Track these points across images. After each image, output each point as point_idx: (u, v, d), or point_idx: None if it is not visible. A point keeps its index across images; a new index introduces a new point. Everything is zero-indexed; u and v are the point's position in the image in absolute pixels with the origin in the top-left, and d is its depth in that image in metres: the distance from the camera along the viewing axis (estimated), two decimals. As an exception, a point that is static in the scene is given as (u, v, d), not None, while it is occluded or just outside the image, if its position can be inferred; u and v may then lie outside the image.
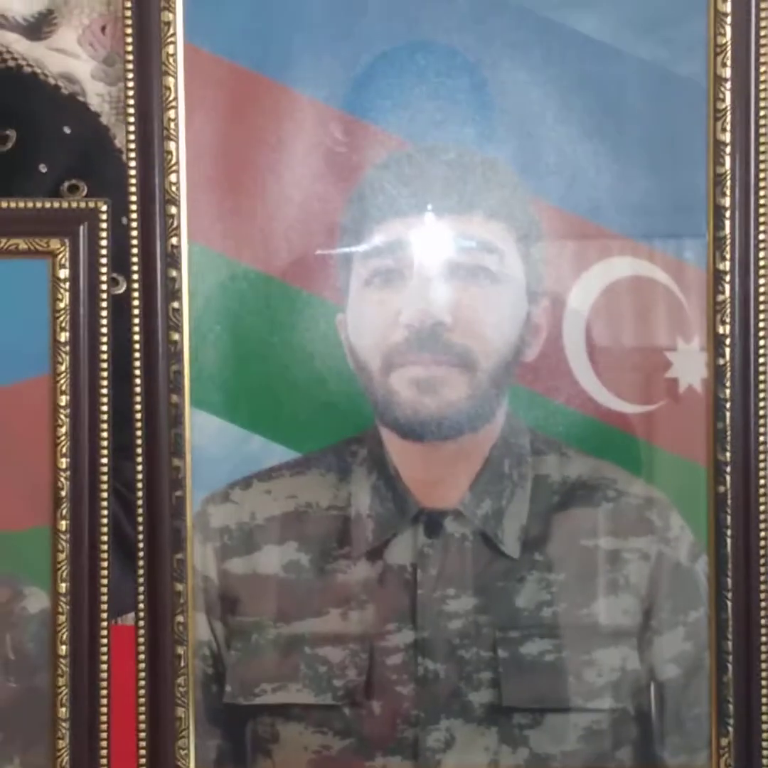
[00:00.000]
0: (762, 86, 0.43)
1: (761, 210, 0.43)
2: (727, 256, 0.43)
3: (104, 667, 0.44)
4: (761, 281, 0.43)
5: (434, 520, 0.44)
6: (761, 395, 0.43)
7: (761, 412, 0.43)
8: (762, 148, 0.43)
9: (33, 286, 0.44)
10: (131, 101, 0.44)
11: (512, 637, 0.44)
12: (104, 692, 0.44)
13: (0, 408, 0.44)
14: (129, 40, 0.44)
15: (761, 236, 0.43)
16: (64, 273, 0.44)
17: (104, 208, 0.44)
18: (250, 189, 0.45)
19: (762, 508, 0.43)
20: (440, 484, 0.44)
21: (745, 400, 0.43)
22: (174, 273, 0.44)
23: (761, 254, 0.43)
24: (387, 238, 0.44)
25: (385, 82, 0.45)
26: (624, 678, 0.44)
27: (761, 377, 0.43)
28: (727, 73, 0.43)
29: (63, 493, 0.43)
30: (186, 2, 0.44)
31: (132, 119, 0.44)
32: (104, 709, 0.44)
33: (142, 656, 0.44)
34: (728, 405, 0.43)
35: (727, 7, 0.43)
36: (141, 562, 0.44)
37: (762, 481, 0.43)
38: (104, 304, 0.44)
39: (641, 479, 0.44)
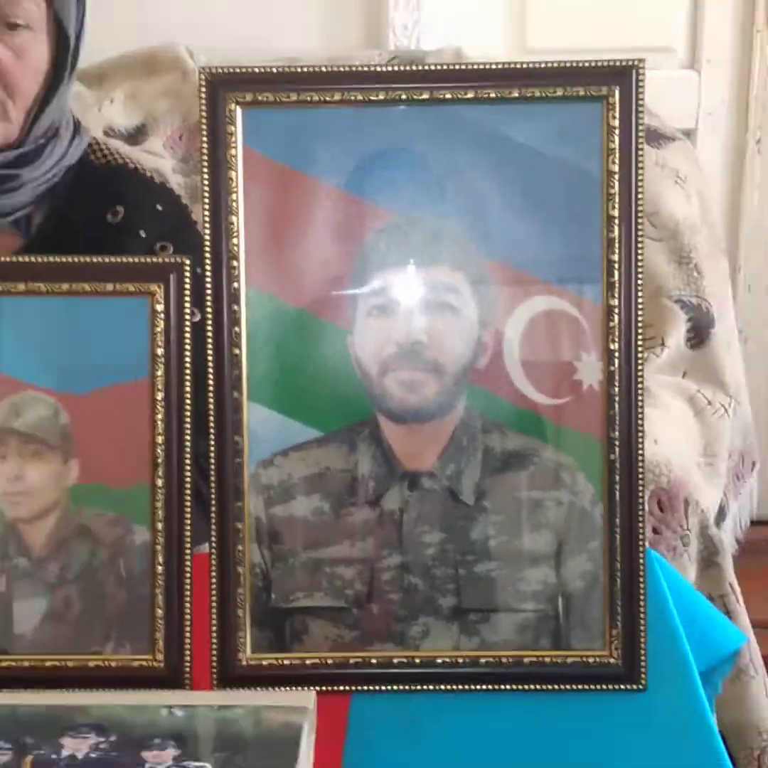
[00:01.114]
0: (639, 179, 0.61)
1: (639, 264, 0.61)
2: (616, 295, 0.61)
3: (188, 582, 0.63)
4: (639, 314, 0.62)
5: (415, 479, 0.62)
6: (639, 392, 0.61)
7: (639, 404, 0.61)
8: (639, 221, 0.62)
9: (138, 316, 0.63)
10: (206, 188, 0.63)
11: (469, 559, 0.62)
12: (187, 599, 0.63)
13: (114, 400, 0.63)
14: (204, 145, 0.63)
15: (639, 282, 0.62)
16: (159, 307, 0.62)
17: (187, 262, 0.63)
18: (288, 249, 0.64)
19: (641, 472, 0.62)
20: (419, 454, 0.63)
21: (628, 396, 0.61)
22: (235, 307, 0.62)
23: (639, 294, 0.62)
24: (382, 283, 0.63)
25: (380, 173, 0.64)
26: (544, 589, 0.62)
27: (639, 380, 0.61)
28: (616, 168, 0.62)
29: (159, 460, 0.62)
30: (244, 118, 0.63)
31: (206, 200, 0.63)
32: (187, 611, 0.63)
33: (213, 574, 0.63)
34: (617, 399, 0.61)
35: (616, 123, 0.62)
36: (213, 509, 0.63)
37: (640, 452, 0.62)
38: (187, 329, 0.63)
39: (556, 450, 0.63)
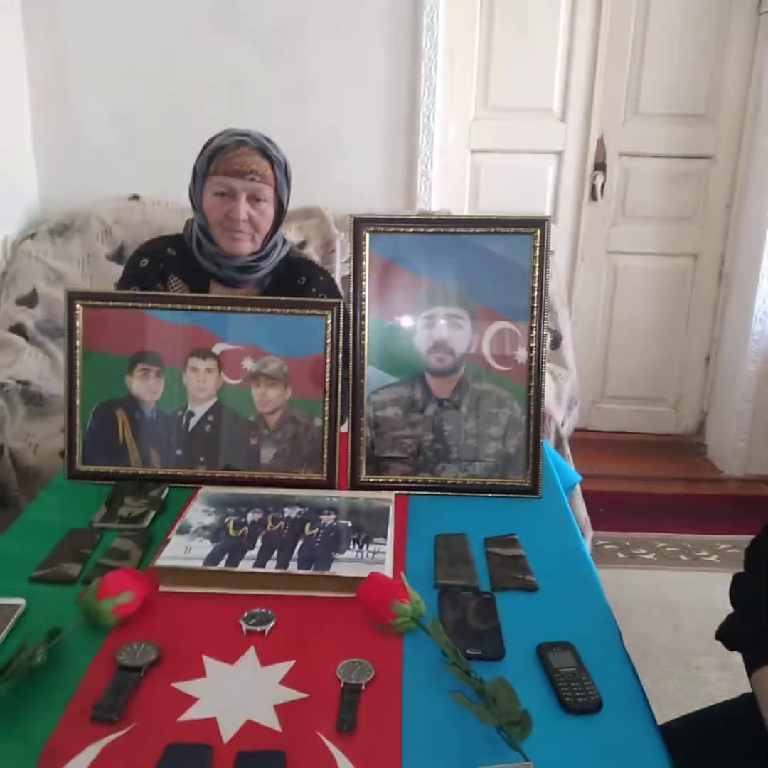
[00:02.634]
0: (547, 270, 1.36)
1: (544, 309, 1.37)
2: (534, 325, 1.37)
3: (338, 444, 1.40)
4: (543, 332, 1.37)
5: (440, 401, 1.38)
6: (542, 366, 1.37)
7: (542, 370, 1.37)
8: (548, 292, 1.37)
9: (320, 326, 1.39)
10: (353, 268, 1.39)
11: (464, 437, 1.38)
12: (338, 447, 1.39)
13: (308, 362, 1.39)
14: (351, 258, 1.39)
15: (544, 317, 1.37)
16: (330, 321, 1.38)
17: (341, 301, 1.40)
18: (387, 297, 1.40)
19: (541, 401, 1.38)
20: (443, 390, 1.38)
21: (538, 366, 1.37)
22: (363, 322, 1.39)
23: (545, 324, 1.37)
24: (428, 313, 1.39)
25: (426, 263, 1.39)
26: (497, 451, 1.37)
27: (543, 360, 1.37)
28: (537, 265, 1.37)
29: (327, 389, 1.39)
30: (371, 241, 1.39)
31: (352, 287, 1.39)
32: (338, 452, 1.39)
33: (350, 440, 1.39)
34: (533, 366, 1.37)
35: (538, 244, 1.37)
36: (350, 410, 1.39)
37: (542, 392, 1.37)
38: (341, 332, 1.39)
39: (504, 389, 1.38)
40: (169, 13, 2.71)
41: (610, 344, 3.34)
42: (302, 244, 2.55)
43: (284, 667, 0.95)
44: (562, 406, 2.41)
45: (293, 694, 0.91)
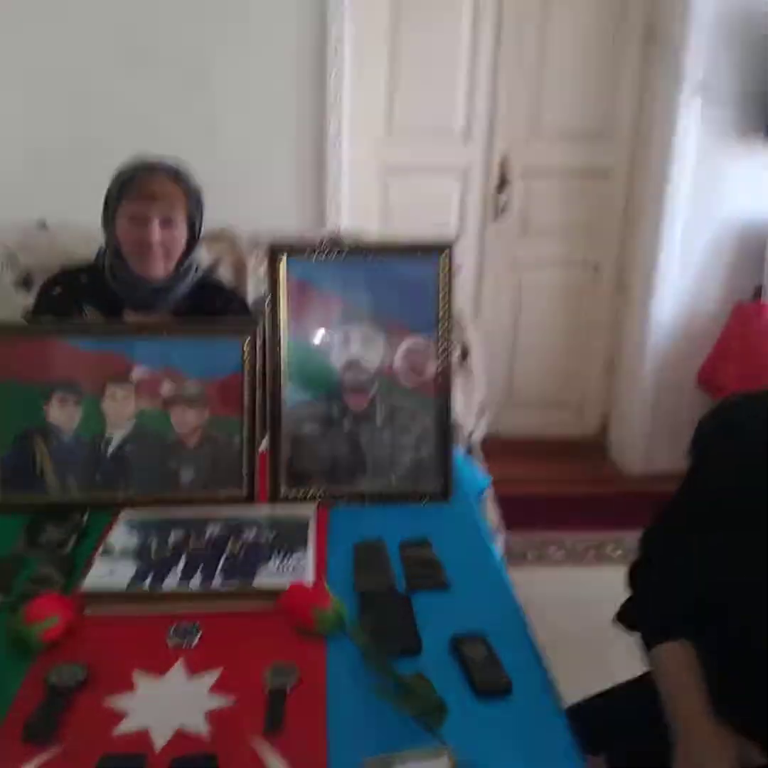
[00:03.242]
0: (452, 288, 1.45)
1: (450, 323, 1.45)
2: (442, 340, 1.45)
3: (257, 461, 1.45)
4: (449, 347, 1.46)
5: (356, 415, 1.45)
6: (450, 379, 1.46)
7: (451, 383, 1.45)
8: (456, 307, 1.46)
9: (236, 347, 1.44)
10: (270, 291, 1.45)
11: (378, 448, 1.45)
12: (257, 468, 1.44)
13: (227, 383, 1.44)
14: (267, 283, 1.45)
15: (450, 332, 1.46)
16: (248, 342, 1.44)
17: (259, 323, 1.45)
18: (303, 319, 1.46)
19: (450, 409, 1.46)
20: (358, 405, 1.44)
21: (446, 379, 1.45)
22: (281, 344, 1.44)
23: (449, 338, 1.46)
24: (343, 332, 1.46)
25: (341, 286, 1.46)
26: (411, 459, 1.44)
27: (450, 374, 1.45)
28: (442, 284, 1.45)
29: (245, 408, 1.44)
30: (287, 266, 1.45)
31: (269, 309, 1.45)
32: (257, 473, 1.44)
33: (269, 454, 1.44)
34: (441, 379, 1.45)
35: (445, 265, 1.45)
36: (269, 429, 1.44)
37: (450, 402, 1.46)
38: (259, 353, 1.45)
39: (414, 402, 1.46)
40: (77, 43, 2.71)
41: (517, 353, 3.48)
42: (214, 265, 2.58)
43: (212, 675, 0.99)
44: (472, 414, 2.52)
45: (222, 701, 0.95)
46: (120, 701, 0.94)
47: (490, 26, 3.08)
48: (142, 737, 0.89)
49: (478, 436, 2.54)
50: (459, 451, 1.83)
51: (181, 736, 0.89)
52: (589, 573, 2.61)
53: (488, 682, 0.98)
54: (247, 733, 0.90)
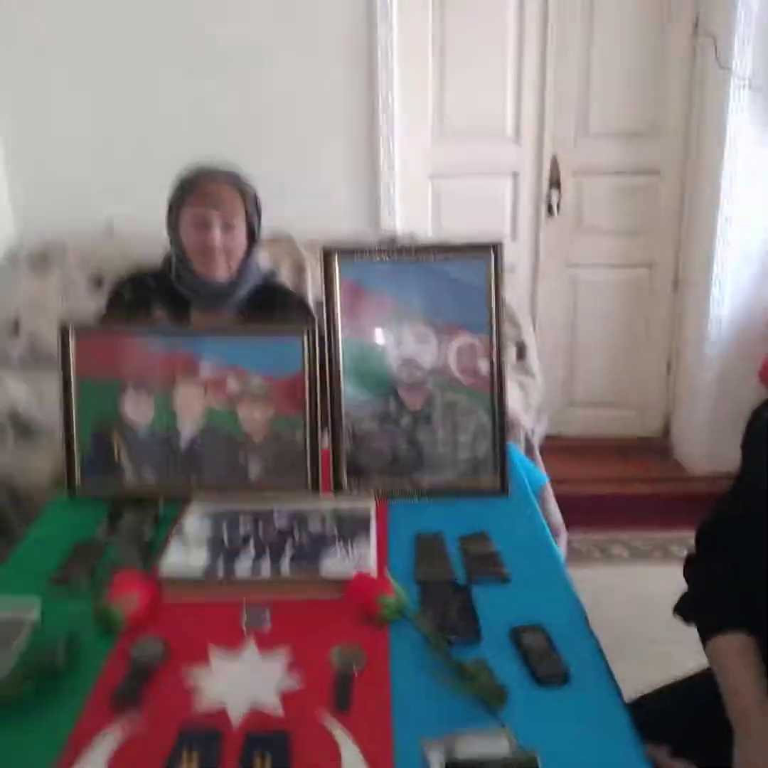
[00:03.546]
0: (501, 289, 1.48)
1: (501, 323, 1.48)
2: (493, 336, 1.48)
3: (319, 457, 1.50)
4: (503, 344, 1.49)
5: (413, 413, 1.49)
6: (503, 376, 1.49)
7: (504, 379, 1.49)
8: (511, 306, 1.49)
9: (297, 345, 1.50)
10: (326, 292, 1.50)
11: (435, 445, 1.49)
12: (319, 463, 1.50)
13: (290, 380, 1.50)
14: (323, 285, 1.51)
15: (502, 330, 1.49)
16: (307, 340, 1.49)
17: (315, 323, 1.51)
18: (358, 318, 1.51)
19: (504, 408, 1.49)
20: (414, 403, 1.49)
21: (500, 375, 1.48)
22: (336, 344, 1.50)
23: (502, 336, 1.49)
24: (397, 329, 1.50)
25: (394, 286, 1.51)
26: (468, 456, 1.47)
27: (503, 370, 1.48)
28: (493, 285, 1.49)
29: (306, 407, 1.49)
30: (340, 269, 1.50)
31: (325, 311, 1.50)
32: (319, 467, 1.50)
33: (330, 450, 1.50)
34: (495, 375, 1.49)
35: (492, 266, 1.49)
36: (329, 426, 1.50)
37: (504, 399, 1.49)
38: (318, 351, 1.50)
39: (470, 398, 1.49)
40: (139, 45, 2.82)
41: (576, 353, 3.47)
42: (274, 270, 2.66)
43: (283, 657, 1.04)
44: (531, 413, 2.54)
45: (293, 681, 1.00)
46: (198, 676, 1.01)
47: (536, 25, 3.09)
48: (219, 712, 0.95)
49: (537, 434, 2.55)
50: (516, 448, 1.86)
51: (255, 713, 0.95)
52: (654, 571, 2.60)
53: (547, 671, 1.01)
54: (317, 712, 0.95)
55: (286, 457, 1.48)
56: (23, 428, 2.29)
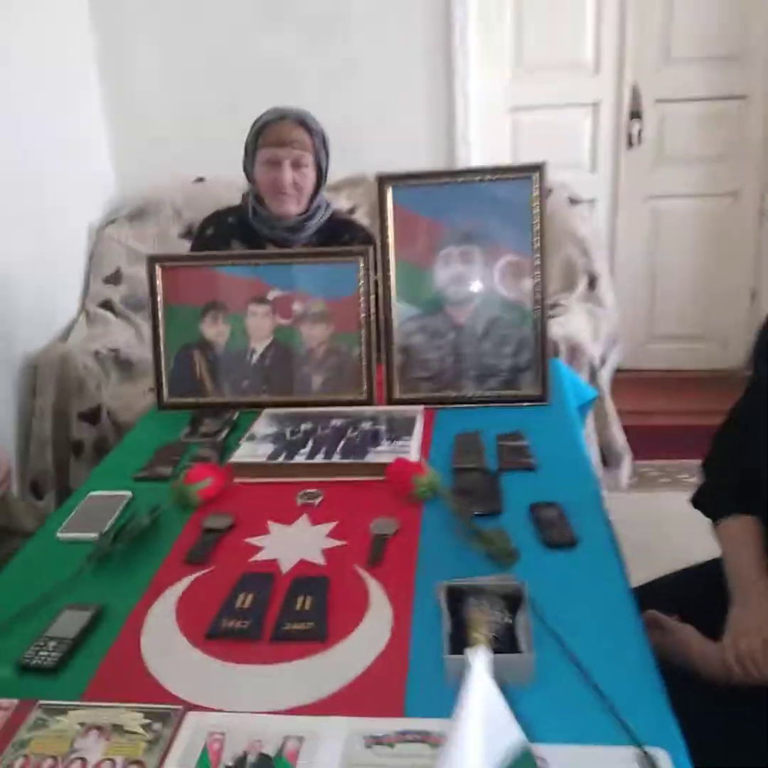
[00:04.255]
0: (544, 206, 1.58)
1: (545, 241, 1.58)
2: (537, 255, 1.59)
3: (374, 369, 1.66)
4: (546, 263, 1.59)
5: (459, 327, 1.61)
6: (545, 293, 1.59)
7: (546, 295, 1.59)
8: (545, 224, 1.58)
9: (355, 269, 1.65)
10: (381, 219, 1.64)
11: (482, 355, 1.61)
12: (374, 376, 1.66)
13: (349, 300, 1.65)
14: (381, 222, 1.64)
15: (546, 249, 1.58)
16: (363, 263, 1.64)
17: (372, 248, 1.65)
18: (410, 242, 1.64)
19: (545, 322, 1.60)
20: (460, 317, 1.62)
21: (543, 292, 1.59)
22: (390, 265, 1.63)
23: (546, 254, 1.59)
24: (446, 252, 1.62)
25: (446, 210, 1.63)
26: (510, 366, 1.59)
27: (544, 288, 1.59)
28: (537, 202, 1.58)
29: (362, 322, 1.65)
30: (393, 195, 1.63)
31: (378, 234, 1.63)
32: (374, 376, 1.66)
33: (384, 364, 1.65)
34: (538, 295, 1.59)
35: (538, 185, 1.58)
36: (383, 340, 1.65)
37: (545, 315, 1.60)
38: (374, 274, 1.65)
39: (514, 312, 1.61)
40: (223, 8, 3.00)
41: (656, 285, 3.46)
42: (352, 210, 2.81)
43: (329, 525, 1.22)
44: (599, 343, 2.59)
45: (336, 542, 1.18)
46: (258, 541, 1.20)
47: (616, -49, 3.05)
48: (272, 564, 1.14)
49: (608, 364, 2.61)
50: (562, 363, 1.96)
51: (302, 564, 1.13)
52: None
53: (556, 536, 1.14)
54: (353, 565, 1.12)
55: (345, 370, 1.65)
56: (125, 366, 2.57)
